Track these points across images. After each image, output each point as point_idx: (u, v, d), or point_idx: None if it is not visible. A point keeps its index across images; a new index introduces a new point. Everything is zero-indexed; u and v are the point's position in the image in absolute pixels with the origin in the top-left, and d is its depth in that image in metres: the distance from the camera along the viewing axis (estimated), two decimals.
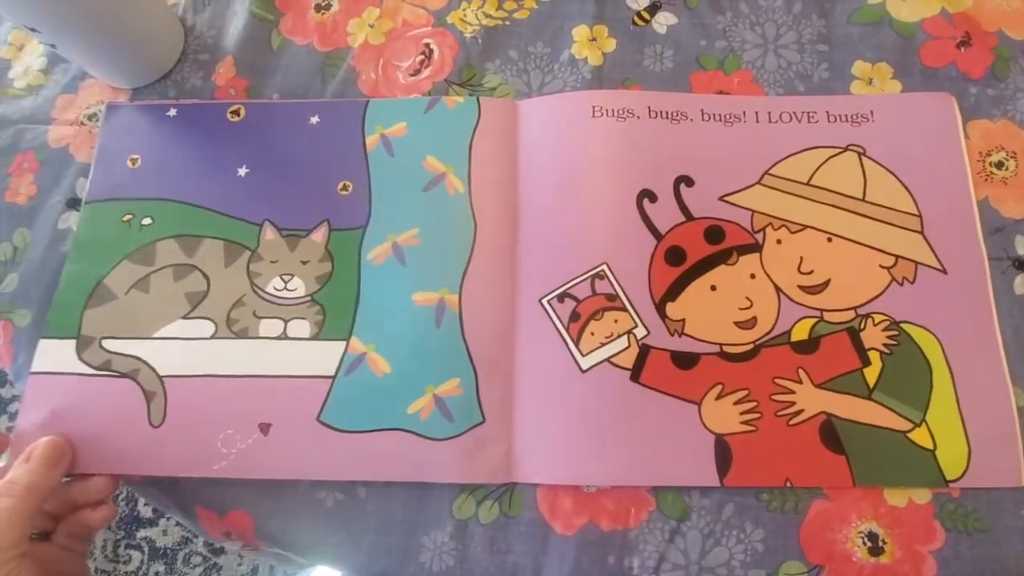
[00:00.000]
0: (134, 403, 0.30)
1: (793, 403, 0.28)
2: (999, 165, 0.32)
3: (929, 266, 0.30)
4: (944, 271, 0.30)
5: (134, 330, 0.31)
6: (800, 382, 0.29)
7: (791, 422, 0.28)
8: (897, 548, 0.27)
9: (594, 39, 0.36)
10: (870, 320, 0.29)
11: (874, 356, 0.29)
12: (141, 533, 0.85)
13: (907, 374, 0.28)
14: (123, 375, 0.30)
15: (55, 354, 0.31)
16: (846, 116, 0.33)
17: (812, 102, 0.33)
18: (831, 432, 0.28)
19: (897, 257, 0.30)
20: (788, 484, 0.28)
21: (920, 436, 0.28)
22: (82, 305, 0.31)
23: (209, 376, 0.30)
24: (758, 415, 0.28)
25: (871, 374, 0.28)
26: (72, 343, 0.31)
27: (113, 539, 0.86)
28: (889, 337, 0.29)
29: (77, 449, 0.29)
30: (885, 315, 0.29)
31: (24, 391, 0.30)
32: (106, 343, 0.31)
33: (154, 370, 0.30)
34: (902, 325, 0.29)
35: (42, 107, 0.37)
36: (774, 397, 0.28)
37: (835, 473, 0.27)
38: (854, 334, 0.29)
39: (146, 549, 0.85)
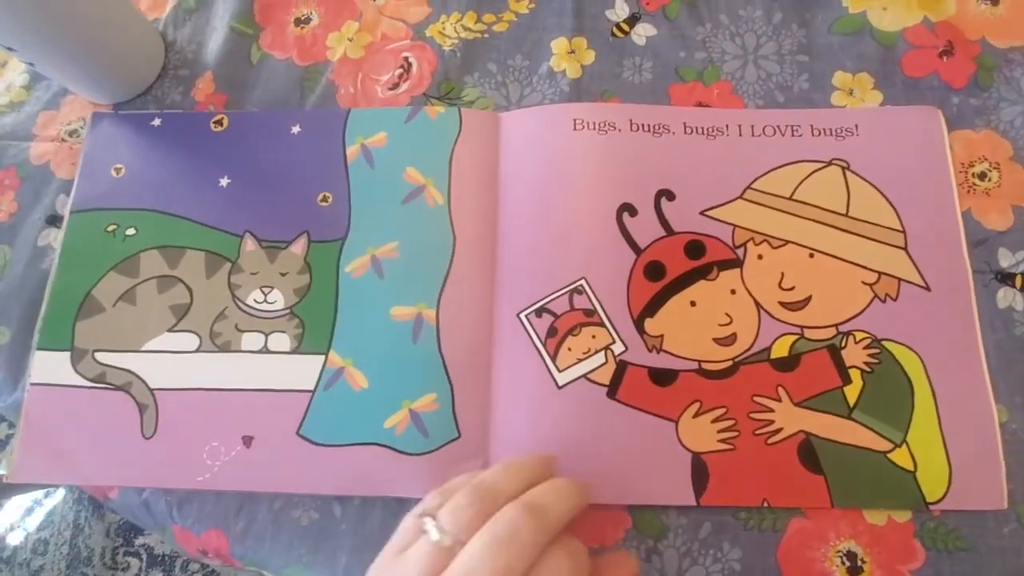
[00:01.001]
0: (128, 415, 0.30)
1: (772, 421, 0.28)
2: (982, 176, 0.32)
3: (912, 283, 0.29)
4: (927, 288, 0.29)
5: (123, 343, 0.31)
6: (779, 400, 0.28)
7: (769, 441, 0.28)
8: (876, 567, 0.27)
9: (573, 51, 0.36)
10: (851, 338, 0.29)
11: (855, 374, 0.28)
12: (139, 540, 0.86)
13: (888, 393, 0.28)
14: (117, 388, 0.31)
15: (52, 366, 0.31)
16: (830, 130, 0.32)
17: (796, 115, 0.33)
18: (810, 452, 0.27)
19: (880, 274, 0.30)
20: (765, 504, 0.27)
21: (900, 457, 0.27)
22: (73, 317, 0.32)
23: (196, 389, 0.30)
24: (736, 433, 0.28)
25: (851, 393, 0.28)
26: (67, 355, 0.31)
27: (111, 546, 0.86)
28: (870, 355, 0.28)
29: (76, 461, 0.30)
30: (867, 332, 0.29)
31: (26, 401, 0.31)
32: (99, 356, 0.31)
33: (145, 383, 0.31)
34: (884, 343, 0.29)
35: (24, 123, 0.37)
36: (752, 415, 0.28)
37: (813, 494, 0.27)
38: (835, 352, 0.29)
39: (144, 556, 0.85)
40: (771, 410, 0.28)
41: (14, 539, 0.87)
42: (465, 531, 0.20)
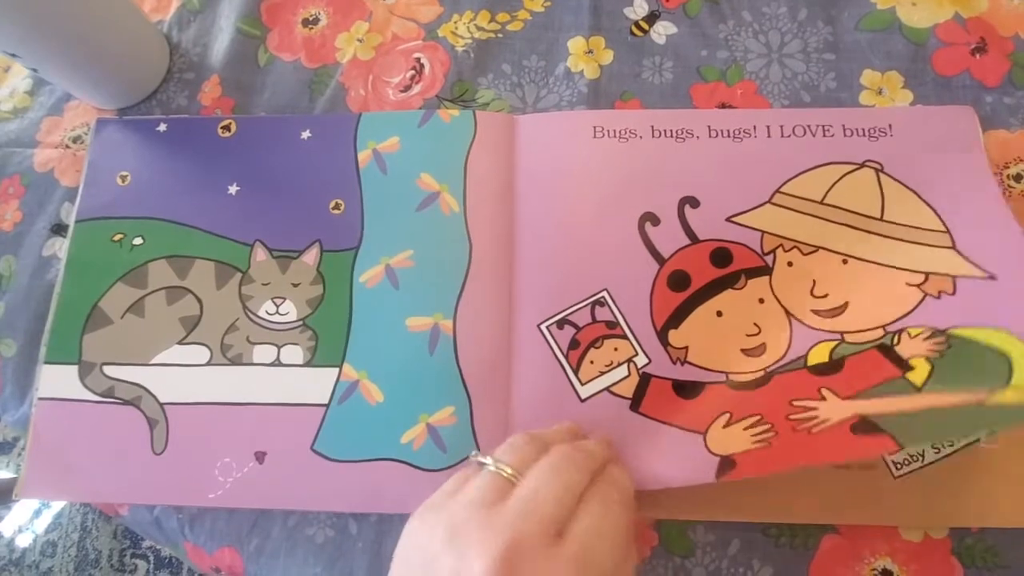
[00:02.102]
0: (137, 430, 0.30)
1: (816, 416, 0.25)
2: (1017, 178, 0.31)
3: (971, 277, 0.27)
4: (993, 277, 0.27)
5: (132, 356, 0.31)
6: (823, 399, 0.25)
7: (814, 430, 0.24)
8: None
9: (590, 51, 0.34)
10: (905, 334, 0.26)
11: (918, 363, 0.24)
12: (147, 543, 0.86)
13: (972, 362, 0.24)
14: (126, 402, 0.30)
15: (59, 380, 0.31)
16: (863, 130, 0.31)
17: (827, 115, 0.31)
18: (868, 424, 0.23)
19: (927, 274, 0.28)
20: (802, 466, 0.23)
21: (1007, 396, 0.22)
22: (80, 330, 0.31)
23: (207, 404, 0.30)
24: (773, 434, 0.25)
25: (917, 377, 0.24)
26: (74, 368, 0.31)
27: (119, 548, 0.86)
28: (935, 344, 0.25)
29: (85, 477, 0.29)
30: (924, 327, 0.26)
31: (33, 416, 0.30)
32: (107, 369, 0.31)
33: (155, 397, 0.30)
34: (950, 332, 0.25)
35: (27, 130, 0.37)
36: (792, 417, 0.25)
37: (871, 448, 0.22)
38: (886, 349, 0.26)
39: (151, 558, 0.85)
40: (815, 408, 0.25)
41: (23, 541, 0.87)
42: (522, 463, 0.21)
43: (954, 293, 0.27)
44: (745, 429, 0.26)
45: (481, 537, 0.18)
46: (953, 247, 0.28)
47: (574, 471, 0.21)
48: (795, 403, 0.25)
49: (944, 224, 0.29)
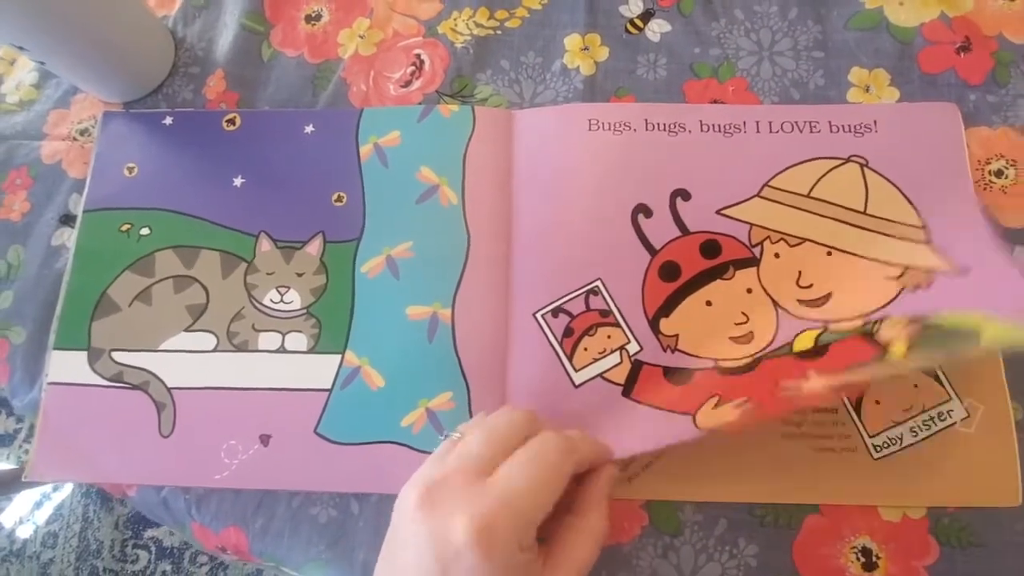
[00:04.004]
0: (145, 414, 0.30)
1: (801, 390, 0.25)
2: (998, 173, 0.32)
3: (945, 272, 0.28)
4: (965, 272, 0.28)
5: (140, 342, 0.32)
6: (808, 379, 0.26)
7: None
8: (891, 563, 0.27)
9: (586, 48, 0.35)
10: (886, 322, 0.27)
11: (897, 345, 0.25)
12: (148, 533, 0.86)
13: (946, 336, 0.24)
14: (135, 387, 0.31)
15: (69, 365, 0.31)
16: (848, 126, 0.32)
17: (814, 111, 0.32)
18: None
19: (905, 267, 0.29)
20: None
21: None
22: (89, 317, 0.32)
23: (214, 388, 0.31)
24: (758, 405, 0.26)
25: (897, 353, 0.25)
26: (83, 354, 0.31)
27: (120, 539, 0.87)
28: (913, 329, 0.25)
29: (94, 459, 0.30)
30: (902, 315, 0.27)
31: (43, 400, 0.31)
32: (116, 355, 0.31)
33: (163, 382, 0.31)
34: (926, 320, 0.26)
35: (34, 122, 0.37)
36: (779, 395, 0.26)
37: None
38: (868, 335, 0.27)
39: (153, 548, 0.86)
40: (800, 387, 0.25)
41: (24, 532, 0.88)
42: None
43: (930, 287, 0.28)
44: (733, 408, 0.26)
45: (416, 479, 0.23)
46: (928, 243, 0.29)
47: (503, 423, 0.24)
48: (782, 383, 0.26)
49: (922, 220, 0.30)
